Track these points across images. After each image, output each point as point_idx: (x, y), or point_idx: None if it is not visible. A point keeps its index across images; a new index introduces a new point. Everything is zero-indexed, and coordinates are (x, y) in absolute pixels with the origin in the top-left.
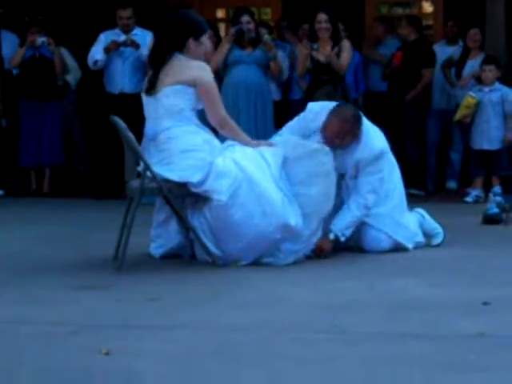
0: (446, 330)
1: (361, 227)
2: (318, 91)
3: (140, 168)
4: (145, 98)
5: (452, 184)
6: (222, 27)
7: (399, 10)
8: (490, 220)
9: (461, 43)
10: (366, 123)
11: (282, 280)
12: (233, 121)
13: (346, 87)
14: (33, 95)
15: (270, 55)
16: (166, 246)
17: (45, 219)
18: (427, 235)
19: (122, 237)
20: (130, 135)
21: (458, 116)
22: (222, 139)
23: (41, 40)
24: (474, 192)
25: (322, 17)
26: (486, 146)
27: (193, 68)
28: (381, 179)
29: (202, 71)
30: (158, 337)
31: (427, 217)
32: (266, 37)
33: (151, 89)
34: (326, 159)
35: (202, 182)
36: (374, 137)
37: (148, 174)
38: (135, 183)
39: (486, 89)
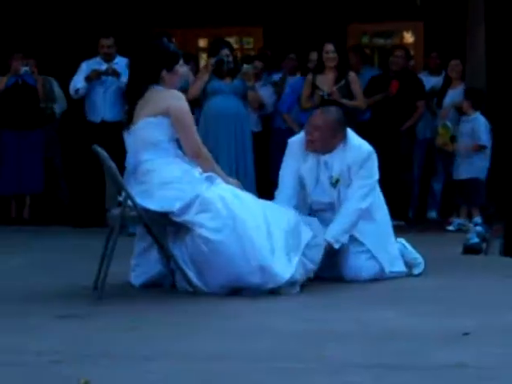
0: (426, 361)
1: (342, 254)
2: None
3: (121, 197)
4: (124, 132)
5: (433, 214)
6: (203, 57)
7: (380, 41)
8: (470, 250)
9: (443, 73)
10: (351, 132)
11: (263, 309)
12: (208, 153)
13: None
14: (15, 123)
15: (249, 85)
16: (146, 275)
17: (24, 247)
18: (408, 265)
19: (102, 265)
20: (112, 164)
21: (437, 143)
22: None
23: (24, 69)
24: (458, 221)
25: (330, 47)
26: (463, 176)
27: (166, 98)
28: (373, 185)
29: (174, 100)
30: (138, 366)
31: (408, 246)
32: (246, 66)
33: (129, 122)
34: (319, 232)
35: (183, 212)
36: (360, 141)
37: (129, 202)
38: (116, 212)
39: (464, 119)
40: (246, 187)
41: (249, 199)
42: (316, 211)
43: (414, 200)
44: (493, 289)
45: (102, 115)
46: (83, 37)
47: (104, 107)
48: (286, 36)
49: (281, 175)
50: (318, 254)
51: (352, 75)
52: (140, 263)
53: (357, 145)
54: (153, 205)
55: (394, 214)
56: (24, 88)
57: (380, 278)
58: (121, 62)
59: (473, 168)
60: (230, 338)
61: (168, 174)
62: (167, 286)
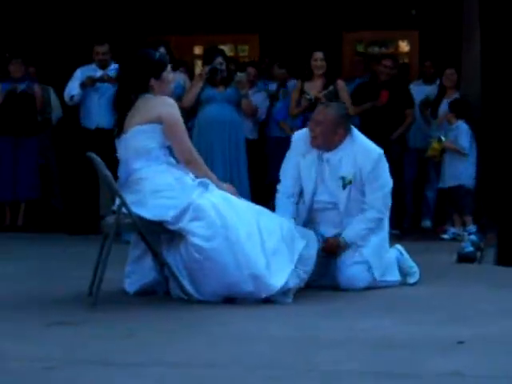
0: (420, 369)
1: (337, 264)
2: None
3: (115, 205)
4: (116, 141)
5: (427, 222)
6: (199, 64)
7: (376, 49)
8: (464, 259)
9: (438, 82)
10: (358, 132)
11: (257, 317)
12: (200, 158)
13: None
14: (10, 130)
15: (242, 93)
16: (140, 282)
17: (19, 254)
18: (403, 273)
19: (97, 272)
20: (106, 171)
21: (427, 153)
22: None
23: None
24: (452, 230)
25: (318, 55)
26: (449, 184)
27: (157, 105)
28: (388, 193)
29: (165, 107)
30: (132, 373)
31: (405, 254)
32: (240, 74)
33: (119, 131)
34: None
35: (177, 220)
36: (369, 142)
37: (124, 210)
38: (111, 219)
39: (449, 127)
40: (240, 195)
41: (242, 206)
42: (316, 210)
43: (408, 208)
44: (487, 297)
45: (96, 122)
46: (78, 44)
47: (99, 114)
48: (282, 44)
49: (282, 169)
50: (310, 265)
51: (340, 83)
52: (134, 270)
53: (365, 145)
54: (146, 213)
55: (389, 223)
56: (20, 95)
57: (374, 286)
58: (116, 69)
59: (458, 176)
60: (225, 345)
61: (160, 181)
62: (161, 293)
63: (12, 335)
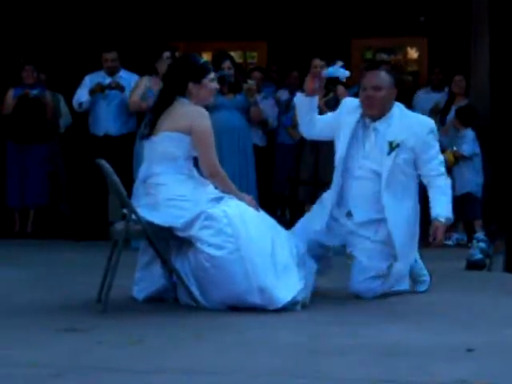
0: (429, 377)
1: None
2: None
3: (125, 210)
4: (144, 141)
5: None
6: None
7: (384, 56)
8: (473, 266)
9: (446, 89)
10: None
11: (265, 324)
12: (225, 173)
13: None
14: (20, 136)
15: (251, 100)
16: (149, 289)
17: (28, 261)
18: (413, 279)
19: (105, 279)
20: (115, 178)
21: None
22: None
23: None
24: (456, 235)
25: (317, 62)
26: (459, 191)
27: (188, 115)
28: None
29: (197, 118)
30: (141, 380)
31: (419, 261)
32: (250, 82)
33: (149, 131)
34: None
35: (187, 227)
36: (418, 115)
37: (133, 216)
38: (119, 226)
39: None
40: None
41: (257, 219)
42: (356, 178)
43: None
44: (497, 305)
45: (105, 129)
46: (87, 51)
47: (107, 121)
48: (291, 51)
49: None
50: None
51: (340, 88)
52: (143, 277)
53: (418, 115)
54: (156, 218)
55: None
56: (31, 102)
57: (383, 295)
58: (125, 76)
59: (465, 183)
60: (232, 353)
61: (176, 191)
62: (170, 300)
63: (20, 341)
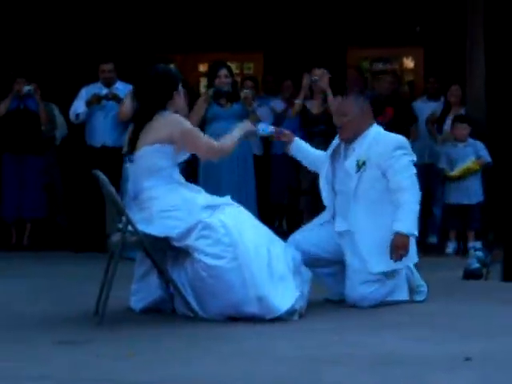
0: None
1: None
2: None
3: (121, 223)
4: (127, 158)
5: (433, 239)
6: (203, 81)
7: (380, 65)
8: (470, 275)
9: (442, 99)
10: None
11: (263, 334)
12: (217, 143)
13: None
14: (16, 148)
15: (249, 109)
16: (146, 300)
17: (26, 273)
18: (411, 290)
19: (102, 291)
20: (112, 189)
21: (457, 173)
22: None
23: (27, 88)
24: (452, 245)
25: (318, 72)
26: (464, 201)
27: (166, 125)
28: (413, 175)
29: (174, 126)
30: None
31: (415, 273)
32: (246, 91)
33: (132, 148)
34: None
35: (183, 236)
36: (387, 134)
37: (129, 228)
38: (116, 237)
39: (461, 145)
40: (247, 211)
41: (253, 228)
42: (338, 193)
43: None
44: (494, 314)
45: (102, 140)
46: (83, 62)
47: (104, 132)
48: (287, 61)
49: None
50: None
51: (338, 99)
52: (140, 288)
53: (386, 134)
54: (153, 230)
55: None
56: (26, 113)
57: (380, 304)
58: (121, 87)
59: (464, 193)
60: (231, 363)
61: (169, 202)
62: (167, 310)
63: (20, 354)
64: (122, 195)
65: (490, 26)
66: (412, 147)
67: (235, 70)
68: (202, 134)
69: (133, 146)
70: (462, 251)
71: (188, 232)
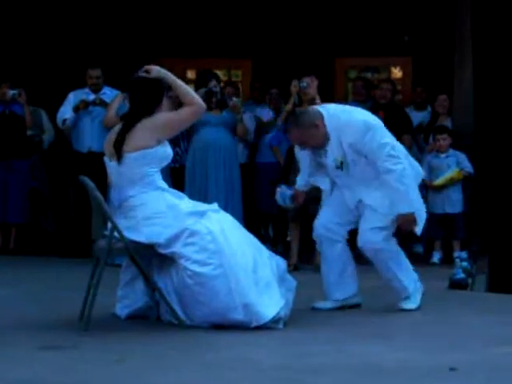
0: None
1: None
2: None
3: (107, 229)
4: (108, 163)
5: (419, 248)
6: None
7: (368, 75)
8: (456, 285)
9: (429, 109)
10: (338, 110)
11: (248, 342)
12: (190, 106)
13: None
14: (2, 153)
15: (237, 118)
16: (131, 307)
17: (10, 278)
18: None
19: (88, 296)
20: (99, 195)
21: (440, 182)
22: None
23: (12, 92)
24: (437, 255)
25: (307, 79)
26: (447, 210)
27: (150, 128)
28: (392, 146)
29: (158, 126)
30: None
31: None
32: (235, 99)
33: (116, 154)
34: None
35: (169, 243)
36: (351, 115)
37: (115, 234)
38: (102, 243)
39: (442, 155)
40: (234, 218)
41: (239, 235)
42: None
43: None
44: (479, 324)
45: (89, 145)
46: (71, 68)
47: (91, 137)
48: (275, 69)
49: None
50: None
51: None
52: (126, 295)
53: (350, 123)
54: (139, 237)
55: None
56: (12, 118)
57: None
58: (109, 92)
59: (448, 202)
60: (216, 371)
61: (153, 209)
62: (152, 317)
63: (4, 358)
64: (109, 201)
65: (478, 35)
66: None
67: (223, 77)
68: (179, 112)
69: (118, 148)
70: (448, 261)
71: (174, 238)
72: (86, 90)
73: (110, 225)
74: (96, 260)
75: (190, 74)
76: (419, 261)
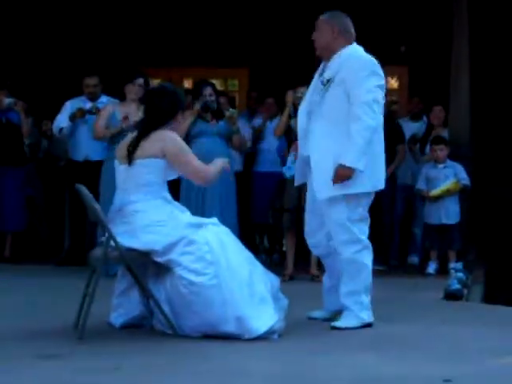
0: None
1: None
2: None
3: (103, 237)
4: (118, 166)
5: (414, 259)
6: (189, 98)
7: None
8: (451, 296)
9: (425, 119)
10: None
11: (242, 352)
12: (209, 168)
13: None
14: None
15: (233, 128)
16: (126, 316)
17: (6, 286)
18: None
19: (83, 305)
20: (95, 205)
21: (437, 193)
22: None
23: (8, 101)
24: (433, 265)
25: (302, 89)
26: (444, 221)
27: (159, 140)
28: (377, 99)
29: (168, 141)
30: None
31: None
32: (231, 110)
33: (128, 158)
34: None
35: (166, 251)
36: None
37: (111, 242)
38: (98, 252)
39: (440, 166)
40: (229, 229)
41: (235, 249)
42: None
43: (394, 245)
44: (474, 336)
45: (85, 154)
46: (68, 76)
47: (88, 146)
48: (272, 78)
49: None
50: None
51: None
52: (121, 304)
53: (356, 54)
54: (136, 244)
55: (375, 258)
56: (8, 126)
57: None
58: (105, 101)
59: (444, 213)
60: (210, 381)
61: (153, 217)
62: (148, 326)
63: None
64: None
65: (475, 45)
66: (396, 168)
67: (220, 87)
68: (194, 157)
69: (129, 156)
70: (443, 271)
71: (171, 246)
72: (83, 98)
73: (106, 233)
74: (92, 269)
75: (187, 84)
76: (414, 271)
